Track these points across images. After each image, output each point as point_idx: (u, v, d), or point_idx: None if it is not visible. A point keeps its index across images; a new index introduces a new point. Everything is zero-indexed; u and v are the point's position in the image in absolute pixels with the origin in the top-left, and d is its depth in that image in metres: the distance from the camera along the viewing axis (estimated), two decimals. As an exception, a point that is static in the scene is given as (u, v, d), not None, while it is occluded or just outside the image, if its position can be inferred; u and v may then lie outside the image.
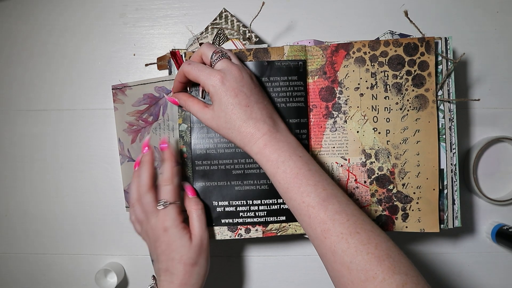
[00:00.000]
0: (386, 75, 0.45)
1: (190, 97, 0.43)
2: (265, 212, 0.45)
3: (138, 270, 0.58)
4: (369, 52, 0.45)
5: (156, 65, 0.55)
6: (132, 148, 0.51)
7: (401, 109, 0.45)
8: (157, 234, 0.41)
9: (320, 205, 0.35)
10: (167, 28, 0.57)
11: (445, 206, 0.46)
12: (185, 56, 0.47)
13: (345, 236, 0.34)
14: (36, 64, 0.57)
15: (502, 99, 0.56)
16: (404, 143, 0.45)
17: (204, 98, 0.45)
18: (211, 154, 0.46)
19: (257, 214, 0.45)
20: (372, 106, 0.46)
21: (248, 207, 0.45)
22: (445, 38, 0.46)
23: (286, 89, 0.45)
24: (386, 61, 0.45)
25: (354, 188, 0.46)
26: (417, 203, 0.45)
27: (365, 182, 0.46)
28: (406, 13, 0.46)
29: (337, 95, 0.46)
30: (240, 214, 0.45)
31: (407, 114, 0.45)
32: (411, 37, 0.46)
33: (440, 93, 0.46)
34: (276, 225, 0.46)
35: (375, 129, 0.46)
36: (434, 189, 0.45)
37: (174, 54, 0.46)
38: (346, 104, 0.46)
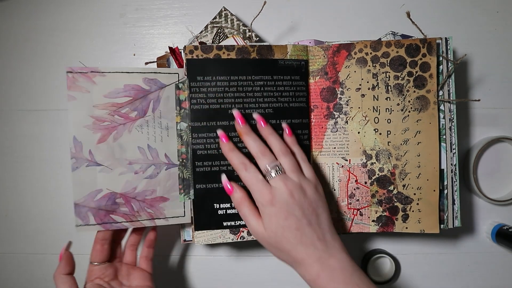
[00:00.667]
0: (387, 76, 0.45)
1: (248, 199, 0.41)
2: None
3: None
4: (370, 53, 0.45)
5: (155, 64, 0.55)
6: (98, 149, 0.42)
7: (402, 110, 0.45)
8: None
9: None
10: (167, 28, 0.57)
11: (445, 206, 0.46)
12: (184, 51, 0.44)
13: None
14: (36, 64, 0.57)
15: (502, 99, 0.56)
16: (405, 144, 0.46)
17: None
18: (213, 155, 0.44)
19: None
20: (373, 107, 0.46)
21: None
22: (446, 38, 0.46)
23: (289, 89, 0.45)
24: (388, 62, 0.45)
25: (354, 189, 0.46)
26: (417, 204, 0.46)
27: (365, 182, 0.46)
28: (408, 14, 0.46)
29: (338, 95, 0.46)
30: None
31: (408, 115, 0.45)
32: (413, 38, 0.46)
33: (440, 93, 0.46)
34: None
35: (376, 130, 0.46)
36: (434, 190, 0.45)
37: (173, 50, 0.46)
38: (347, 105, 0.46)
